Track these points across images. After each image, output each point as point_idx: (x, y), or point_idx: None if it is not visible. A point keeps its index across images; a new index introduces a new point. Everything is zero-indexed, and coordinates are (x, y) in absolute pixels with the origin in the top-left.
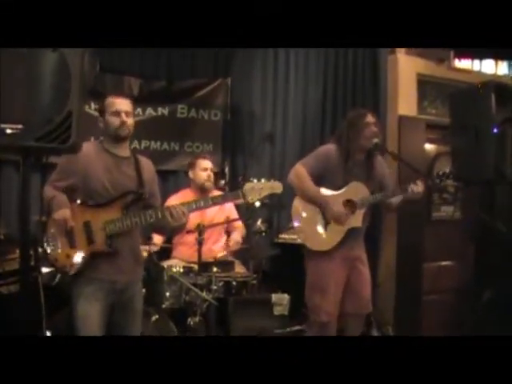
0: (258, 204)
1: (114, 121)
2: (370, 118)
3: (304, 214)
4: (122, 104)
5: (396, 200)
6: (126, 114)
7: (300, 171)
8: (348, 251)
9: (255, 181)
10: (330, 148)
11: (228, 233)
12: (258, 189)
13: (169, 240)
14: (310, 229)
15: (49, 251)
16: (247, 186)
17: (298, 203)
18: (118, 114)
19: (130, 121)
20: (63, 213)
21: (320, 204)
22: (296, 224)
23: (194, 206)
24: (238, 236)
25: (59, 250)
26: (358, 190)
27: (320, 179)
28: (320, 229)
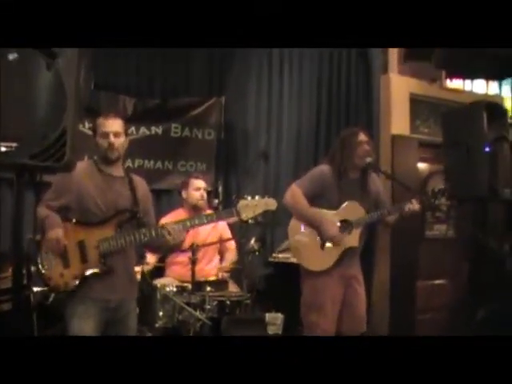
0: (251, 221)
1: (103, 143)
2: (362, 137)
3: (300, 235)
4: (112, 125)
5: (392, 217)
6: (115, 134)
7: (295, 192)
8: (344, 270)
9: (249, 198)
10: (323, 168)
11: (221, 253)
12: (252, 206)
13: (162, 260)
14: (306, 249)
15: (43, 270)
16: (241, 203)
17: (294, 224)
18: (106, 135)
19: (118, 142)
20: (56, 233)
21: (315, 225)
22: (293, 244)
23: (189, 224)
24: (227, 262)
25: (53, 269)
26: (353, 210)
27: (315, 199)
28: (316, 249)
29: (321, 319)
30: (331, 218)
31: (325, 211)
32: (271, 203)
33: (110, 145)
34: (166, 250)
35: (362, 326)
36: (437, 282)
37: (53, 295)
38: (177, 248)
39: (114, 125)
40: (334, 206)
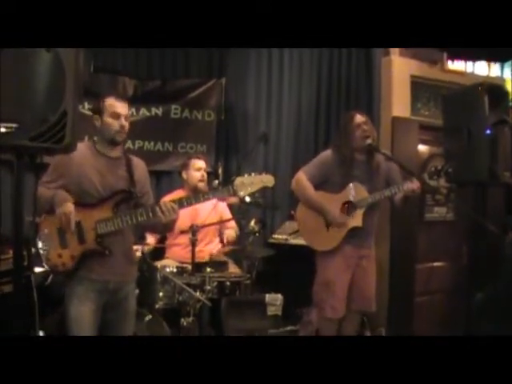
0: (248, 199)
1: (114, 124)
2: (358, 119)
3: (308, 218)
4: (123, 108)
5: (397, 197)
6: (126, 117)
7: (300, 179)
8: (353, 250)
9: (246, 175)
10: (327, 154)
11: (221, 234)
12: (248, 183)
13: (162, 241)
14: (313, 231)
15: (41, 251)
16: (238, 180)
17: (301, 208)
18: (118, 116)
19: (127, 125)
20: (69, 207)
21: (319, 209)
22: (300, 226)
23: (185, 203)
24: (232, 231)
25: (51, 250)
26: (356, 191)
27: (321, 184)
28: (322, 230)
29: (329, 296)
30: (334, 201)
31: (329, 195)
32: (267, 179)
33: (122, 127)
34: (161, 229)
35: (371, 306)
36: (436, 264)
37: (51, 276)
38: (169, 227)
39: (124, 108)
40: (339, 190)
